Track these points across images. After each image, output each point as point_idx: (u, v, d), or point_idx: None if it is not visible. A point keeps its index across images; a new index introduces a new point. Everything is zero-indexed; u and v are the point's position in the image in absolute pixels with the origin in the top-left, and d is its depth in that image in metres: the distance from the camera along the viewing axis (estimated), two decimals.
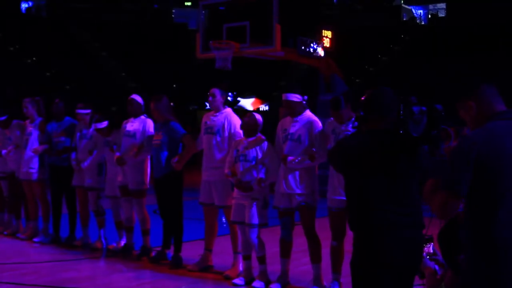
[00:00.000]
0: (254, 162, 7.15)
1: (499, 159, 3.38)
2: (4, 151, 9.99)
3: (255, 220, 7.13)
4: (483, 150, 3.37)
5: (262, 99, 39.28)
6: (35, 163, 9.67)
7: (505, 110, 3.54)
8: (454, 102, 3.64)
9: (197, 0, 17.56)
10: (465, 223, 3.50)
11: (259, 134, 7.30)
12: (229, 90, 7.99)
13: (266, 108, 38.91)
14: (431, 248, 4.70)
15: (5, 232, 10.29)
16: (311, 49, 16.51)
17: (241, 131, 7.45)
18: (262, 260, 7.26)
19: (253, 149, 7.19)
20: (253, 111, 7.64)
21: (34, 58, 37.55)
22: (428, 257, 4.36)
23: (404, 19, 48.91)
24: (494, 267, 3.37)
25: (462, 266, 3.54)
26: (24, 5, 51.44)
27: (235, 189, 7.30)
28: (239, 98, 37.82)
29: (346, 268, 6.12)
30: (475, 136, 3.44)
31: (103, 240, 9.31)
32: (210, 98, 7.82)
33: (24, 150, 9.74)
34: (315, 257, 6.99)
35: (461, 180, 3.38)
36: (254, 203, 7.14)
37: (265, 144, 7.20)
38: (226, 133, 7.66)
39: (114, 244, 9.16)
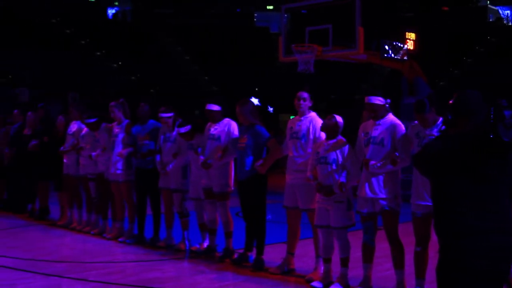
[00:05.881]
0: (334, 165, 7.09)
1: None
2: (93, 154, 10.26)
3: (341, 223, 7.11)
4: None
5: (343, 102, 38.94)
6: (121, 165, 9.91)
7: None
8: None
9: (279, 3, 17.61)
10: None
11: (340, 137, 7.24)
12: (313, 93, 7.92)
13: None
14: None
15: (92, 232, 10.59)
16: (394, 52, 16.30)
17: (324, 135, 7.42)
18: (344, 262, 7.22)
19: (333, 151, 7.15)
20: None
21: (120, 63, 38.46)
22: None
23: (490, 19, 47.67)
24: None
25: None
26: (110, 11, 52.82)
27: (317, 193, 7.28)
28: None
29: (430, 274, 6.03)
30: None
31: (187, 242, 9.43)
32: (300, 102, 7.76)
33: (111, 151, 9.99)
34: (398, 263, 6.88)
35: None
36: (338, 206, 7.11)
37: (346, 147, 7.14)
38: (311, 137, 7.63)
39: (197, 246, 9.26)
